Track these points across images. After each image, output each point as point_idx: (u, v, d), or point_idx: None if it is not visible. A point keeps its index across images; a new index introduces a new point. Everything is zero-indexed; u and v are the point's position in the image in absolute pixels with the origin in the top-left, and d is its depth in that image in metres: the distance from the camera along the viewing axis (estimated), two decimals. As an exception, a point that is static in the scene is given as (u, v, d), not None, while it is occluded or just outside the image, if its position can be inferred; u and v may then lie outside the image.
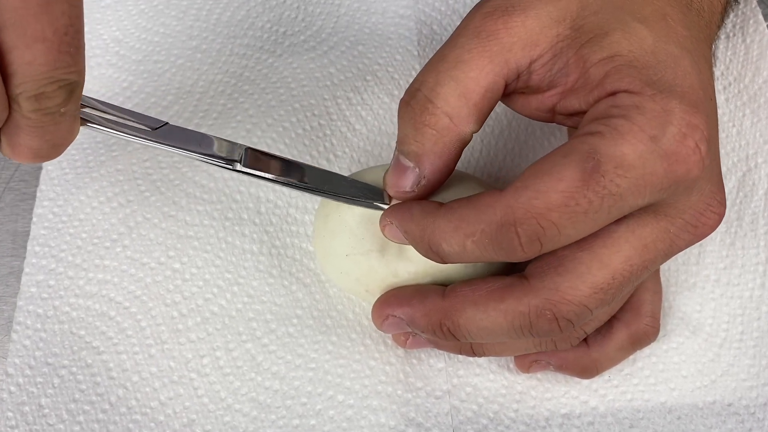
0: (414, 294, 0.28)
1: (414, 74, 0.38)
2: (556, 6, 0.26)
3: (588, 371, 0.30)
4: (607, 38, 0.26)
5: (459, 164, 0.36)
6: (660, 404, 0.31)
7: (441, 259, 0.26)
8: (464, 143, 0.27)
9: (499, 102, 0.28)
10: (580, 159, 0.23)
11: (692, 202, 0.25)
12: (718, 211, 0.26)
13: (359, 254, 0.29)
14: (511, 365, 0.32)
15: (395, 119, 0.37)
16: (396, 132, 0.37)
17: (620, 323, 0.30)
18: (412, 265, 0.29)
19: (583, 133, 0.24)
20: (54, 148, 0.24)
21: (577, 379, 0.31)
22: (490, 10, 0.26)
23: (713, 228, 0.26)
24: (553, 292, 0.25)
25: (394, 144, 0.36)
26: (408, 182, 0.28)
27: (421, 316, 0.28)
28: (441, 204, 0.26)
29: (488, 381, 0.31)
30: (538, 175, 0.24)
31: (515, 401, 0.31)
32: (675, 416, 0.31)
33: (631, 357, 0.32)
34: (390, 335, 0.32)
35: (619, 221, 0.25)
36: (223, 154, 0.27)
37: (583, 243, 0.25)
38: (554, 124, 0.37)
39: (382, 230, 0.28)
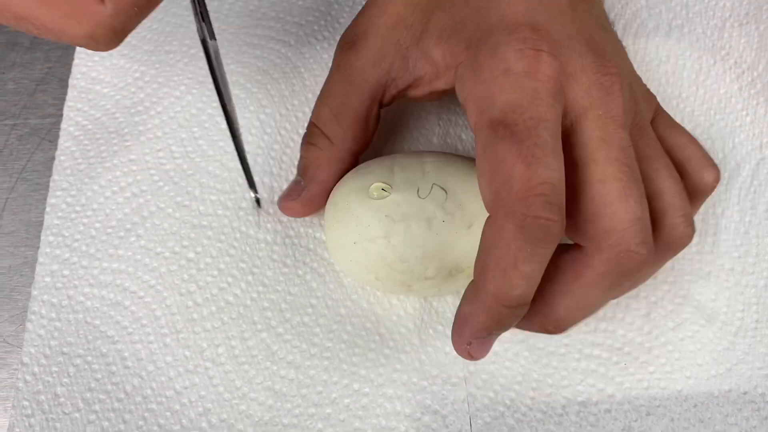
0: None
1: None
2: (388, 14, 0.30)
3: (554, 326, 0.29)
4: (431, 21, 0.30)
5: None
6: (676, 392, 0.31)
7: (525, 302, 0.25)
8: (343, 162, 0.32)
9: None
10: (494, 137, 0.25)
11: (584, 82, 0.27)
12: (612, 71, 0.27)
13: (366, 241, 0.29)
14: (526, 353, 0.32)
15: (409, 108, 0.37)
16: (406, 125, 0.37)
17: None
18: (419, 249, 0.29)
19: (474, 123, 0.26)
20: None
21: (593, 367, 0.31)
22: (342, 44, 0.31)
23: (618, 83, 0.27)
24: (610, 234, 0.26)
25: (405, 135, 0.37)
26: (293, 193, 0.32)
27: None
28: (474, 285, 0.26)
29: (504, 368, 0.31)
30: (493, 179, 0.25)
31: (531, 389, 0.31)
32: (691, 404, 0.31)
33: (647, 345, 0.32)
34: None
35: (570, 150, 0.26)
36: None
37: (577, 190, 0.26)
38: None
39: (470, 357, 0.27)
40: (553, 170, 0.25)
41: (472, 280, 0.26)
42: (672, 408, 0.31)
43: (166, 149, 0.36)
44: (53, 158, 0.36)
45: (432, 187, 0.29)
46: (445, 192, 0.29)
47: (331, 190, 0.32)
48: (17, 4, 0.22)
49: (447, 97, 0.33)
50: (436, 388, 0.31)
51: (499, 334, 0.27)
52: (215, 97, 0.37)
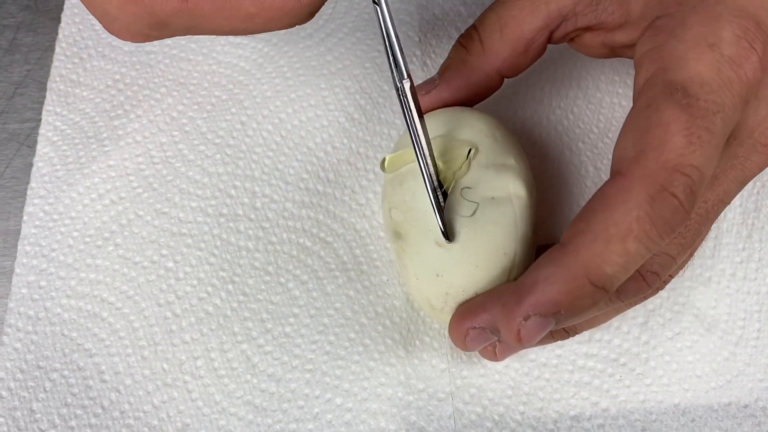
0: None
1: (415, 60, 0.37)
2: None
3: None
4: None
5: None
6: (673, 406, 0.30)
7: (609, 289, 0.23)
8: (486, 77, 0.29)
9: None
10: (667, 97, 0.23)
11: (760, 118, 0.25)
12: None
13: (396, 182, 0.29)
14: (516, 364, 0.30)
15: (396, 108, 0.36)
16: (396, 121, 0.36)
17: None
18: (401, 215, 0.28)
19: (648, 77, 0.24)
20: None
21: (586, 380, 0.30)
22: None
23: None
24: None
25: (393, 133, 0.35)
26: (423, 88, 0.29)
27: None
28: (562, 246, 0.23)
29: (493, 382, 0.30)
30: (645, 137, 0.22)
31: (522, 403, 0.30)
32: (689, 418, 0.29)
33: (644, 356, 0.30)
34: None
35: None
36: None
37: None
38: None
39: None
40: (709, 164, 0.22)
41: (558, 244, 0.23)
42: (669, 423, 0.29)
43: (146, 154, 0.35)
44: (31, 165, 0.35)
45: (476, 210, 0.27)
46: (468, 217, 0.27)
47: (463, 100, 0.29)
48: (229, 26, 0.25)
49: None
50: (422, 403, 0.30)
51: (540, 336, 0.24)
52: (196, 99, 0.36)
